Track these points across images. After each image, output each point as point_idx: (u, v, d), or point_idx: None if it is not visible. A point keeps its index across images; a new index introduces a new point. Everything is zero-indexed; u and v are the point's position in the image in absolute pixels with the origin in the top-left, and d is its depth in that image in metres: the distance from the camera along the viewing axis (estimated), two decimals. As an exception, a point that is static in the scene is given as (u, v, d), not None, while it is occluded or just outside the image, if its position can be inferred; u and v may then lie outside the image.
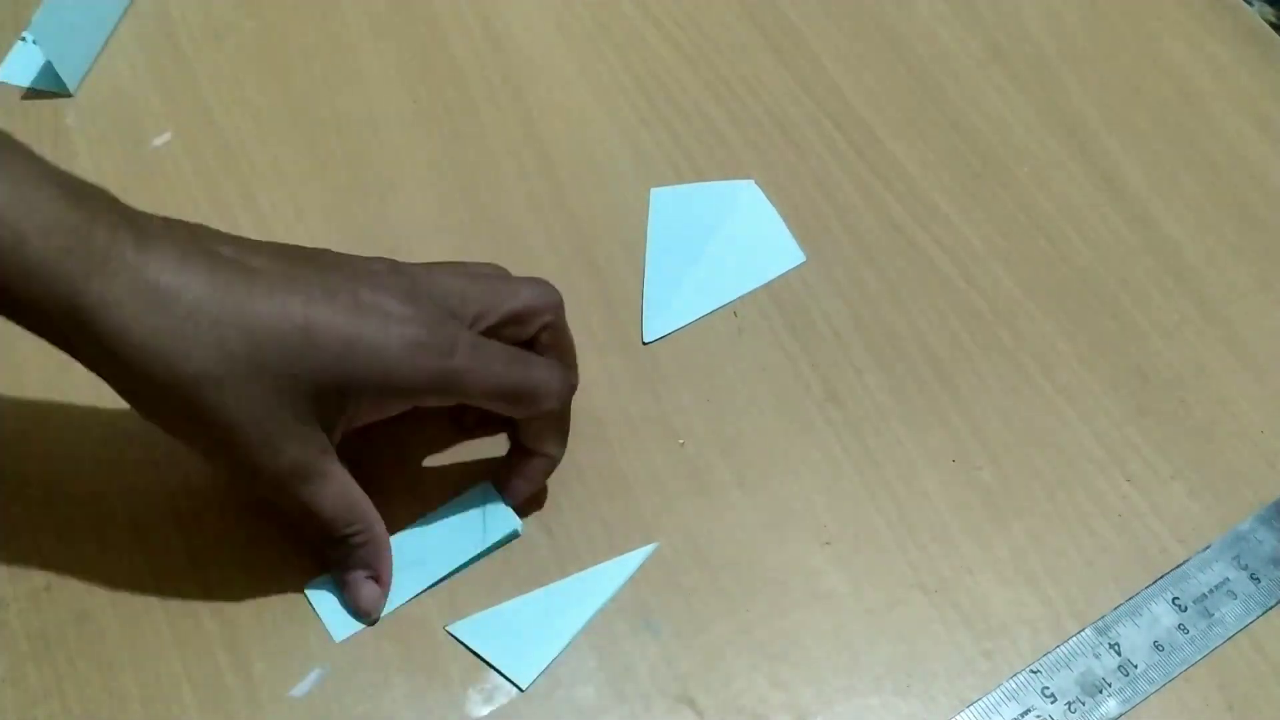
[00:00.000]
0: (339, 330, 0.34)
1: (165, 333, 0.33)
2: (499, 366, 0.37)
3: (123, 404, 0.46)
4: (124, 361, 0.33)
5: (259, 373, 0.34)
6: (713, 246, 0.50)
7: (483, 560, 0.42)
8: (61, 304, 0.32)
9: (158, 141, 0.53)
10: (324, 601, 0.41)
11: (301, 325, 0.34)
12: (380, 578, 0.40)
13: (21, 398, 0.46)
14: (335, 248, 0.49)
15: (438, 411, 0.42)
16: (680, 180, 0.52)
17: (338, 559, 0.40)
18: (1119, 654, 0.41)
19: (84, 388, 0.46)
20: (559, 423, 0.41)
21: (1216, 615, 0.41)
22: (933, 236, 0.50)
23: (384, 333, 0.35)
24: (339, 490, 0.38)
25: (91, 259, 0.32)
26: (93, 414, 0.45)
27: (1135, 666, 0.40)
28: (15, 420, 0.45)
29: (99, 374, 0.35)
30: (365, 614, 0.40)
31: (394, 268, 0.38)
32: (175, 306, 0.33)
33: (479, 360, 0.37)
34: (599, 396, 0.46)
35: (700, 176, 0.52)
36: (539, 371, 0.39)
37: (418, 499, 0.43)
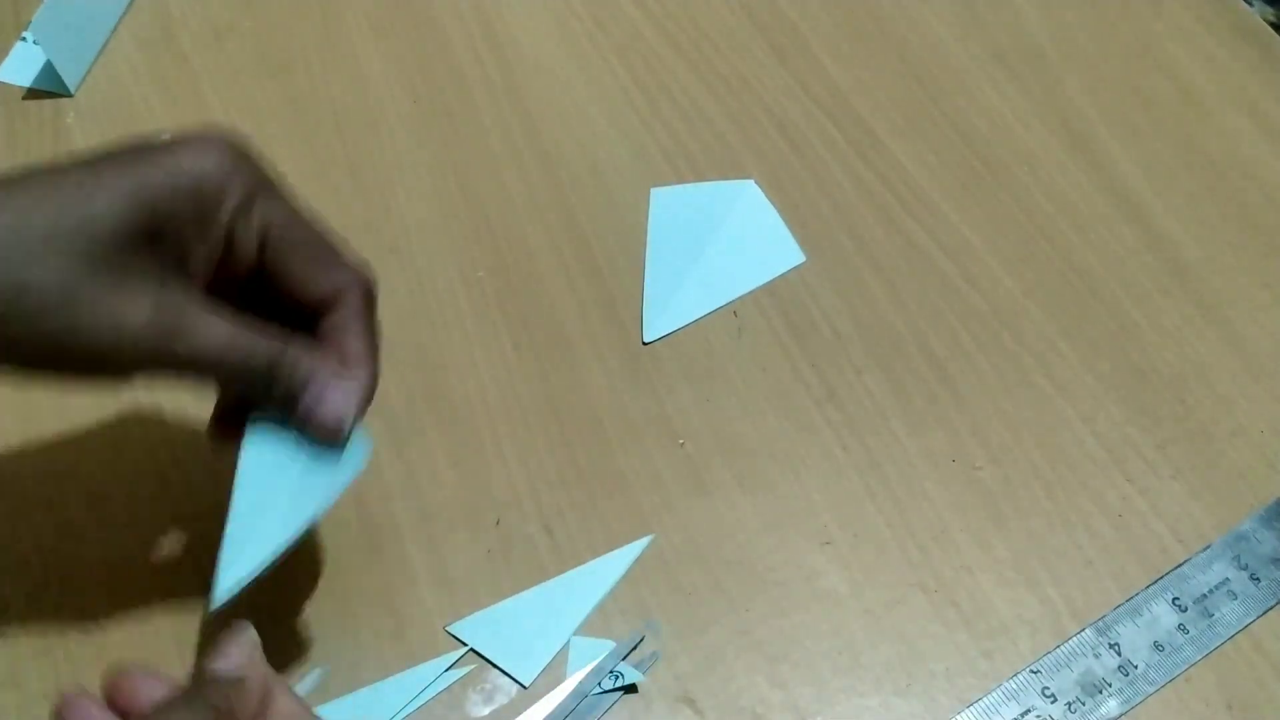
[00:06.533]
0: (120, 177, 0.32)
1: None
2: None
3: (122, 405, 0.46)
4: None
5: (46, 251, 0.31)
6: (713, 246, 0.50)
7: (482, 561, 0.42)
8: None
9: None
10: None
11: (77, 188, 0.31)
12: (327, 384, 0.35)
13: (21, 398, 0.46)
14: (335, 248, 0.50)
15: None
16: (680, 180, 0.52)
17: (276, 397, 0.35)
18: (1119, 654, 0.41)
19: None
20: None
21: (1216, 615, 0.41)
22: (933, 236, 0.50)
23: (178, 161, 0.33)
24: (222, 330, 0.33)
25: None
26: (93, 414, 0.45)
27: (1135, 666, 0.40)
28: (15, 420, 0.45)
29: None
30: (340, 421, 0.35)
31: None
32: None
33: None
34: (599, 396, 0.46)
35: (700, 176, 0.52)
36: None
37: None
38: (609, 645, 0.41)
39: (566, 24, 0.57)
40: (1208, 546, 0.43)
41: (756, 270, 0.49)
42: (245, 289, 0.36)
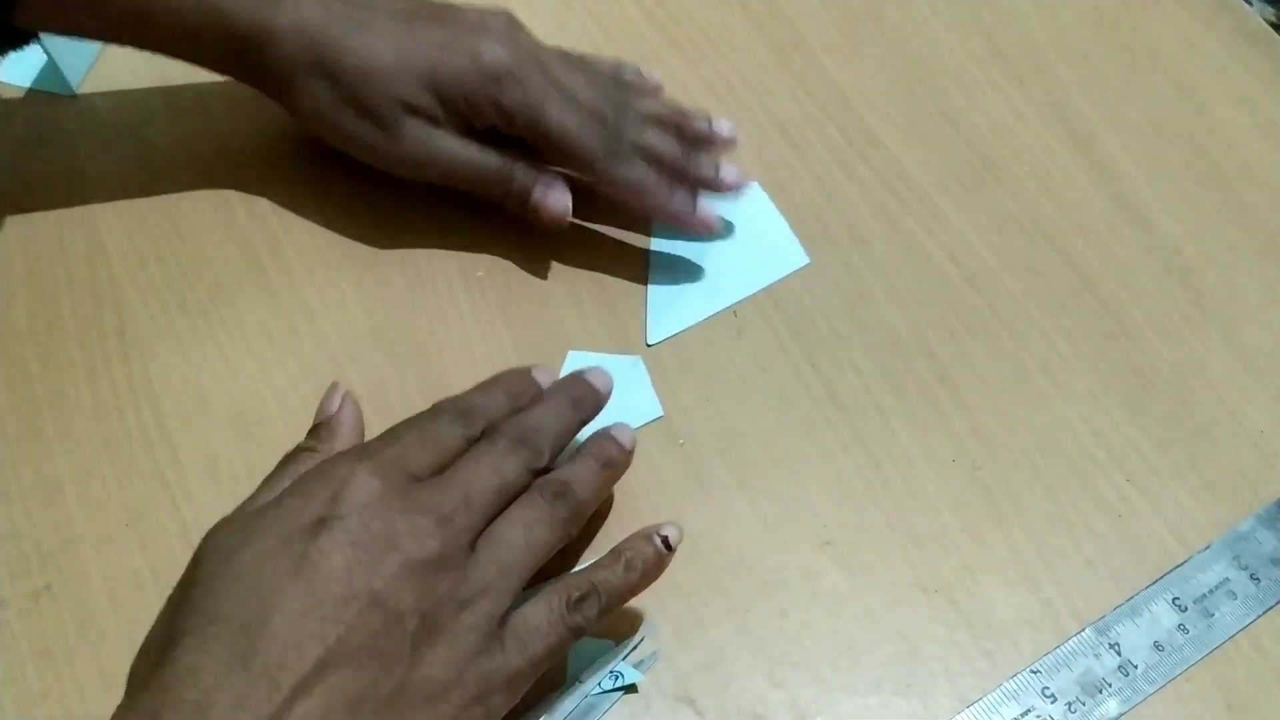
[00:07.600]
0: (423, 62, 0.46)
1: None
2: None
3: (120, 403, 0.46)
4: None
5: (399, 81, 0.46)
6: (716, 248, 0.50)
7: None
8: (251, 29, 0.45)
9: (158, 142, 0.53)
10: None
11: (397, 65, 0.46)
12: (553, 183, 0.47)
13: (22, 399, 0.46)
14: (337, 248, 0.50)
15: None
16: (680, 180, 0.52)
17: (512, 193, 0.48)
18: (1119, 654, 0.41)
19: (83, 387, 0.46)
20: None
21: (1216, 615, 0.41)
22: (933, 236, 0.50)
23: (481, 51, 0.46)
24: (463, 149, 0.47)
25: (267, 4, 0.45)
26: (91, 414, 0.45)
27: (1135, 666, 0.40)
28: (15, 419, 0.45)
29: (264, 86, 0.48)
30: (561, 215, 0.47)
31: (510, 23, 0.48)
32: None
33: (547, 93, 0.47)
34: (599, 396, 0.46)
35: (700, 176, 0.52)
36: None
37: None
38: (609, 645, 0.41)
39: (567, 24, 0.57)
40: (1208, 546, 0.43)
41: (760, 272, 0.49)
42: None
